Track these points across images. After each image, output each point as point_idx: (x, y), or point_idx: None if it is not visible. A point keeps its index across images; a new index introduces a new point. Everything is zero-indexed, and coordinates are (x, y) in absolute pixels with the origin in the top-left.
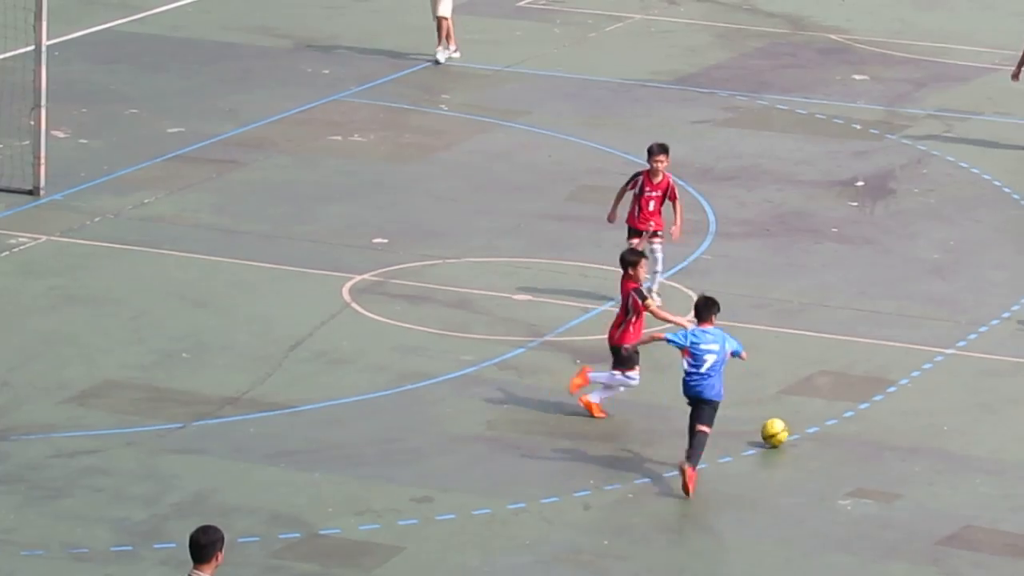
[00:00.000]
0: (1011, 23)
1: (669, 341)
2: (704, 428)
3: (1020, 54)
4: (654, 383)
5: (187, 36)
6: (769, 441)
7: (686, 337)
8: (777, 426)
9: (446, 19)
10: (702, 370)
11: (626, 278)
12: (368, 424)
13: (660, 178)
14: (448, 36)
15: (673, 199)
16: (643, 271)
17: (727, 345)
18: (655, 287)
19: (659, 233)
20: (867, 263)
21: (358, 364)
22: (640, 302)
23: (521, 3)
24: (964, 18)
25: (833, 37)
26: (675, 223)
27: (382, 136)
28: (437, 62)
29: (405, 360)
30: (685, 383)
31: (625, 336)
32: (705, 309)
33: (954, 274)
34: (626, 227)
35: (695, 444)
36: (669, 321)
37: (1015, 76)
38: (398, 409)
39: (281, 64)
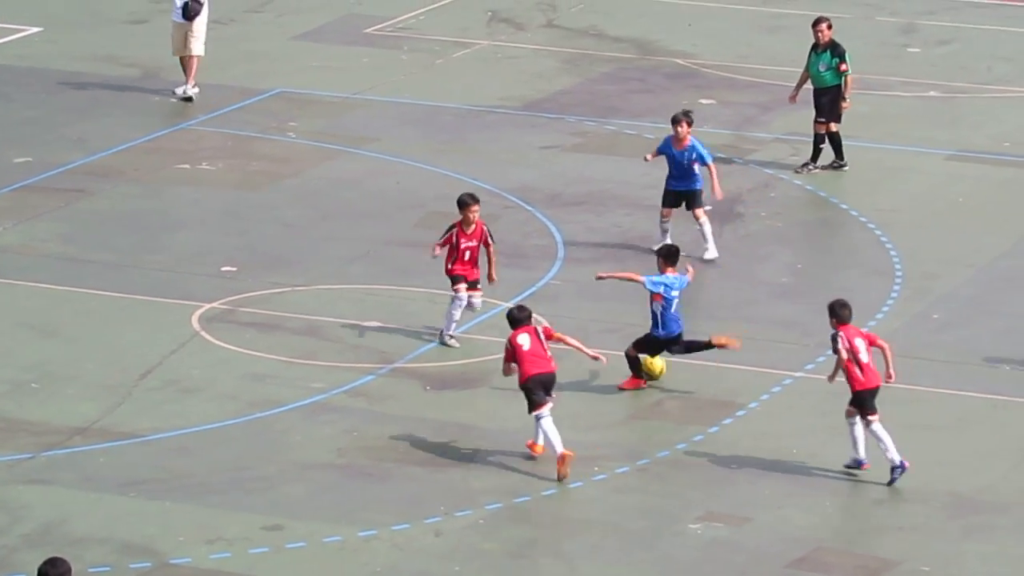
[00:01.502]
0: (854, 47)
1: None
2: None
3: (799, 77)
4: (503, 408)
5: (32, 65)
6: (658, 378)
7: (657, 285)
8: (656, 364)
9: (196, 57)
10: (672, 310)
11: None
12: (218, 452)
13: (473, 228)
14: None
15: (487, 246)
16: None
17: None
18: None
19: (477, 283)
20: (715, 286)
21: (208, 392)
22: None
23: (368, 30)
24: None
25: (680, 62)
26: (490, 270)
27: (230, 164)
28: (189, 99)
29: (255, 388)
30: (663, 324)
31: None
32: (670, 257)
33: (802, 297)
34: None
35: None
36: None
37: (792, 99)
38: (248, 437)
39: (128, 93)
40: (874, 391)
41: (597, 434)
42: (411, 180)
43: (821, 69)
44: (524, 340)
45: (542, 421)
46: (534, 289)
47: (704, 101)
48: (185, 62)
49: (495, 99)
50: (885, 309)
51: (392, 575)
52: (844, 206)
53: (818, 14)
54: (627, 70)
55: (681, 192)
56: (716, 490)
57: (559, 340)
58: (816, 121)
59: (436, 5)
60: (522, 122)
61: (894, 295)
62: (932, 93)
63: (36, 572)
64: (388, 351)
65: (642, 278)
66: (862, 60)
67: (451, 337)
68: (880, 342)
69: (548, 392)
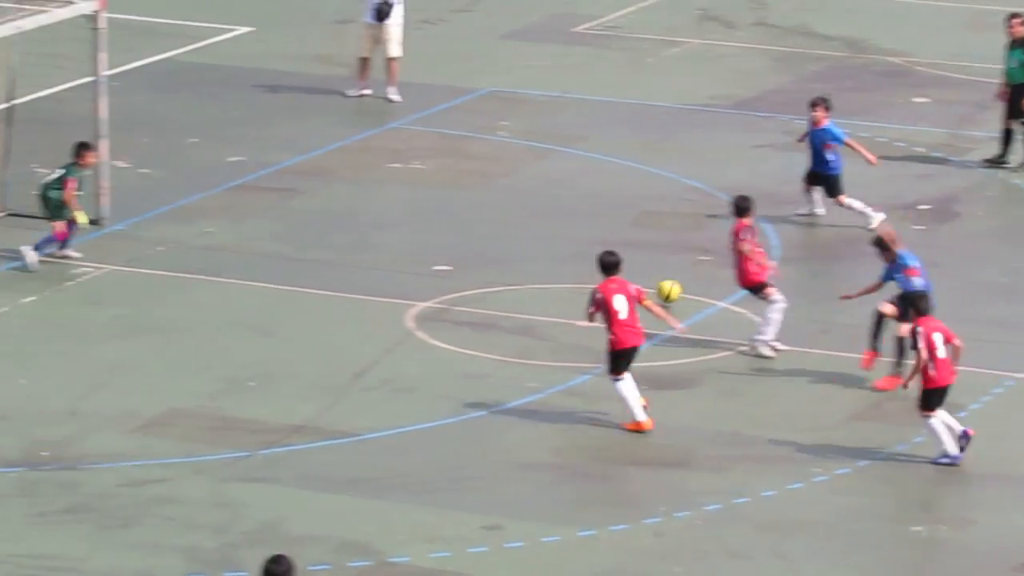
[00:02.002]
0: None
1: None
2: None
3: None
4: (721, 408)
5: (245, 65)
6: (667, 301)
7: (899, 269)
8: (666, 287)
9: (395, 59)
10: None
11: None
12: (435, 452)
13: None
14: (375, 75)
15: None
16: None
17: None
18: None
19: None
20: (935, 287)
21: (423, 392)
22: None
23: (577, 28)
24: None
25: (892, 60)
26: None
27: (441, 163)
28: (392, 100)
29: (470, 387)
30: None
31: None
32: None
33: (1022, 297)
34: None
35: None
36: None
37: (1001, 96)
38: (465, 437)
39: (338, 92)
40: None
41: (816, 435)
42: (623, 179)
43: (1013, 65)
44: (621, 306)
45: (620, 384)
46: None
47: (918, 99)
48: (365, 63)
49: (705, 98)
50: None
51: None
52: None
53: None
54: (838, 68)
55: (817, 174)
56: (938, 492)
57: (647, 308)
58: (1008, 118)
59: (646, 3)
60: (733, 121)
61: None
62: None
63: (261, 570)
64: (603, 350)
65: (881, 282)
66: None
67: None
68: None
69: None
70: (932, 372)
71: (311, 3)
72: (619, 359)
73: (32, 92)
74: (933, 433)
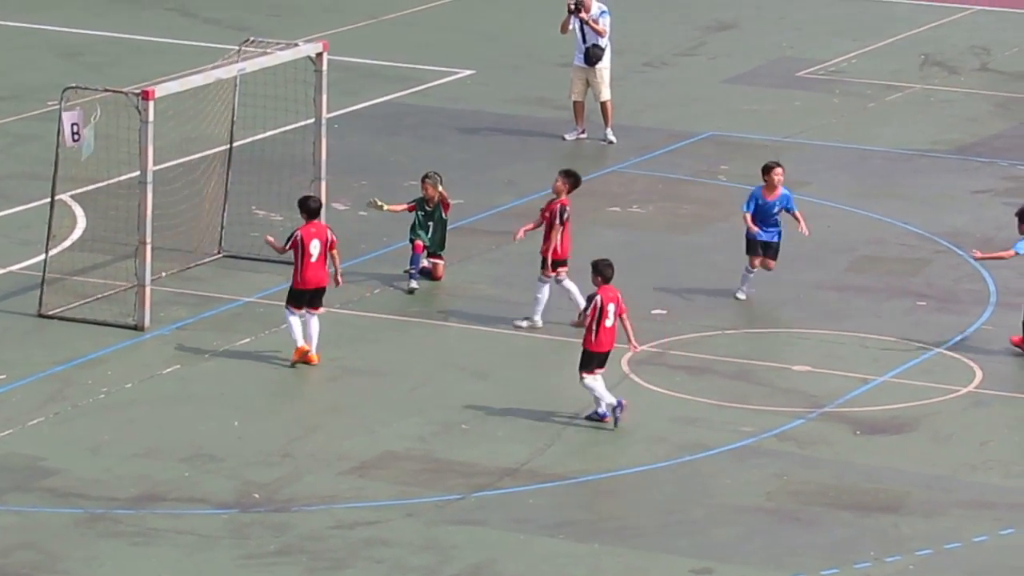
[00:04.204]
0: None
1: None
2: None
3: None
4: (935, 453)
5: (465, 107)
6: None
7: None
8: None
9: (607, 102)
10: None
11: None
12: (647, 495)
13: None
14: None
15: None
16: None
17: None
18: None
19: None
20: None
21: (638, 435)
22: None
23: (800, 73)
24: None
25: None
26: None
27: (660, 207)
28: (611, 142)
29: (684, 431)
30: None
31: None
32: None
33: None
34: None
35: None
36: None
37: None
38: (677, 480)
39: (558, 136)
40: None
41: None
42: (842, 224)
43: None
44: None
45: (589, 380)
46: (967, 333)
47: None
48: (579, 107)
49: (927, 143)
50: None
51: None
52: None
53: None
54: None
55: (767, 242)
56: None
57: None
58: None
59: (869, 48)
60: (954, 166)
61: None
62: None
63: None
64: (818, 395)
65: (1011, 252)
66: None
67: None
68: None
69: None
70: (592, 337)
71: (533, 46)
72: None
73: (253, 134)
74: (590, 391)
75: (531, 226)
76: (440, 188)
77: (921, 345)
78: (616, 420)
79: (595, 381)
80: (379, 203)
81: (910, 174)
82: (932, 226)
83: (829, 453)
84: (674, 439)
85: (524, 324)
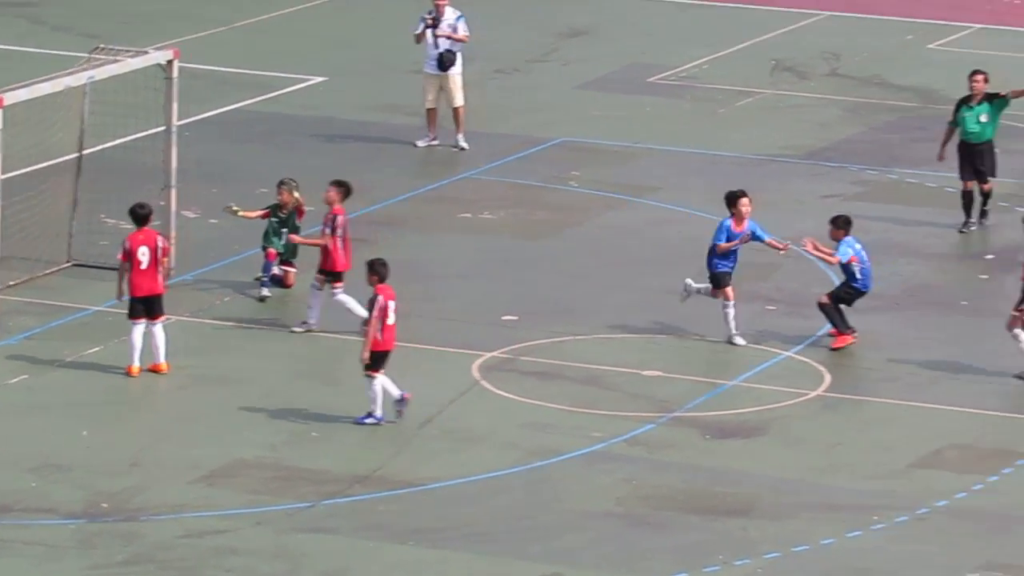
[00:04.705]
0: None
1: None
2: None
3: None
4: (784, 457)
5: (318, 115)
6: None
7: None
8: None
9: (461, 107)
10: (868, 266)
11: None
12: (498, 501)
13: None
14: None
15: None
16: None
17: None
18: None
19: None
20: (997, 336)
21: (488, 441)
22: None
23: (652, 79)
24: None
25: None
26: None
27: (512, 213)
28: (463, 148)
29: (535, 437)
30: (864, 279)
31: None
32: (847, 224)
33: None
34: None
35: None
36: None
37: (940, 158)
38: (528, 486)
39: (411, 142)
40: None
41: (877, 483)
42: (693, 229)
43: (975, 123)
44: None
45: (379, 380)
46: (814, 338)
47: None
48: (433, 114)
49: (777, 148)
50: None
51: None
52: None
53: None
54: (910, 119)
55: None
56: (996, 541)
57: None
58: (985, 182)
59: (720, 54)
60: (804, 171)
61: None
62: None
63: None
64: (668, 400)
65: (836, 257)
66: None
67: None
68: None
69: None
70: (379, 337)
71: (384, 53)
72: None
73: (103, 142)
74: (372, 393)
75: (314, 241)
76: (296, 194)
77: (771, 349)
78: (399, 413)
79: (383, 381)
80: (234, 209)
81: (761, 179)
82: (783, 231)
83: (679, 457)
84: (524, 445)
85: (300, 328)
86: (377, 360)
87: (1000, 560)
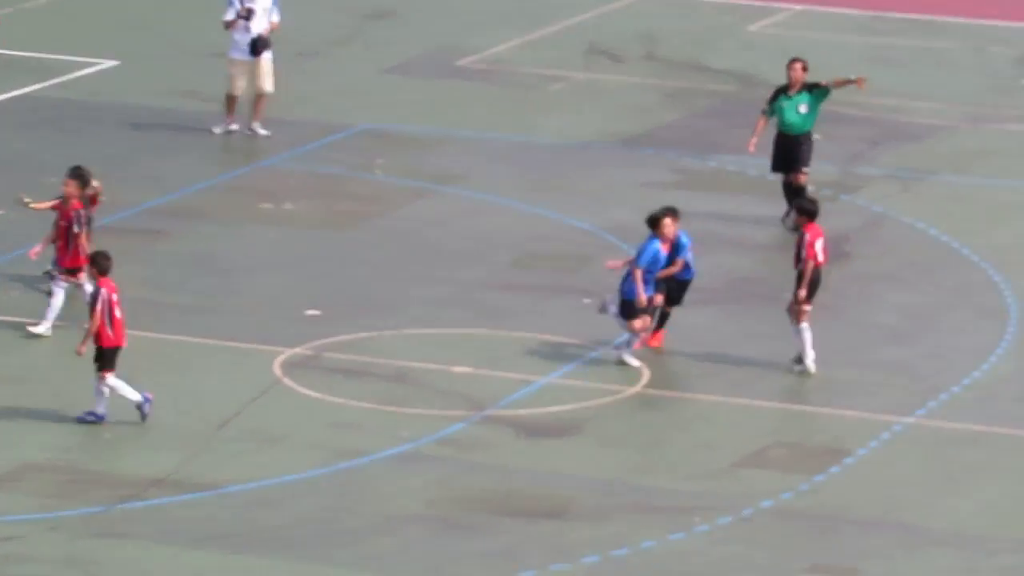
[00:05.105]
0: (966, 79)
1: None
2: None
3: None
4: (601, 457)
5: (110, 100)
6: None
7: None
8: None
9: (267, 94)
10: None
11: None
12: (302, 505)
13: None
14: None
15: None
16: None
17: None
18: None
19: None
20: (822, 329)
21: (291, 442)
22: None
23: (460, 62)
24: (919, 74)
25: None
26: None
27: (314, 203)
28: (262, 135)
29: (340, 437)
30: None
31: None
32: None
33: (912, 340)
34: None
35: None
36: None
37: (751, 149)
38: (334, 488)
39: (207, 129)
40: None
41: (698, 483)
42: (503, 219)
43: (793, 114)
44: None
45: (111, 379)
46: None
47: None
48: (236, 100)
49: (592, 134)
50: (999, 351)
51: None
52: (955, 245)
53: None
54: (730, 104)
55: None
56: (823, 542)
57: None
58: (800, 172)
59: (531, 36)
60: (619, 159)
61: (1008, 337)
62: None
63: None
64: (479, 398)
65: (639, 267)
66: (973, 93)
67: None
68: None
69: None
70: (109, 332)
71: (180, 36)
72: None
73: None
74: (101, 391)
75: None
76: (95, 183)
77: (586, 344)
78: (144, 416)
79: (116, 380)
80: (26, 200)
81: (575, 167)
82: (598, 221)
83: (491, 458)
84: (330, 445)
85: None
86: (108, 357)
87: (827, 562)
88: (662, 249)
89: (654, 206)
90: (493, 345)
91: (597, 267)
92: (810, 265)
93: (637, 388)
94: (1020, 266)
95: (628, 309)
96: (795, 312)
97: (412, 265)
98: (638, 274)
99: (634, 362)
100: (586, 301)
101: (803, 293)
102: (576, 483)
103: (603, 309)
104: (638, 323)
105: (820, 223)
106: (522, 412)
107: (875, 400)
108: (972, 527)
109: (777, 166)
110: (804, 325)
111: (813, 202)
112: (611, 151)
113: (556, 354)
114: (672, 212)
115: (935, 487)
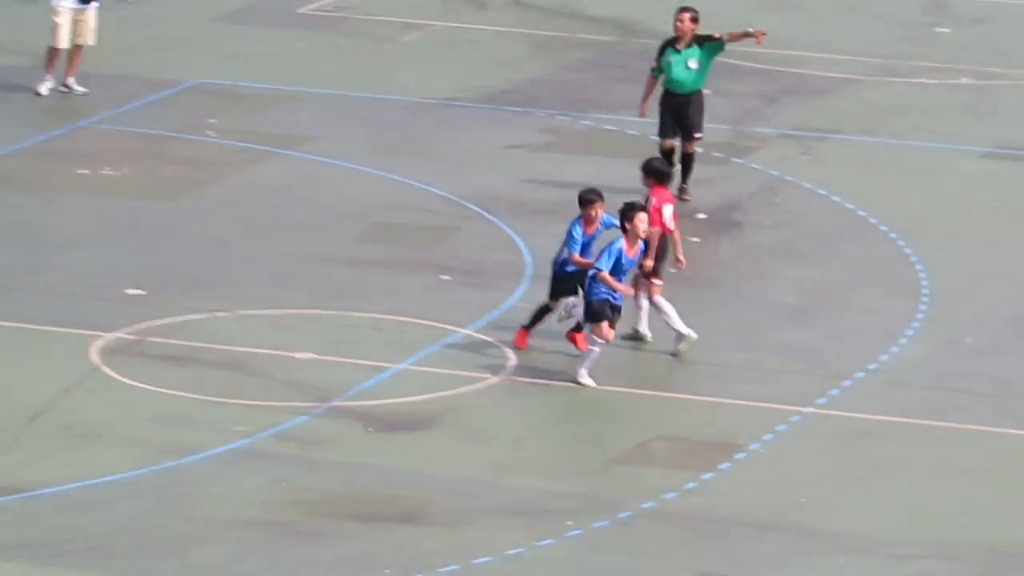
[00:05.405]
0: (874, 27)
1: None
2: None
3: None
4: (461, 453)
5: None
6: None
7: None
8: None
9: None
10: None
11: None
12: (123, 509)
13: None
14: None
15: None
16: None
17: None
18: None
19: None
20: (711, 308)
21: (109, 438)
22: None
23: (302, 9)
24: (821, 22)
25: None
26: None
27: (138, 169)
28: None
29: (166, 432)
30: None
31: None
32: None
33: (813, 320)
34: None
35: None
36: None
37: (642, 114)
38: (158, 491)
39: (16, 86)
40: None
41: (571, 482)
42: (352, 186)
43: (681, 71)
44: None
45: None
46: (496, 313)
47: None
48: (58, 54)
49: (452, 91)
50: (910, 333)
51: None
52: (862, 213)
53: None
54: (607, 55)
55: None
56: (711, 547)
57: None
58: (691, 140)
59: None
60: (483, 117)
61: (920, 316)
62: (964, 80)
63: None
64: (324, 387)
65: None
66: (884, 43)
67: None
68: None
69: None
70: None
71: None
72: None
73: None
74: None
75: None
76: None
77: (446, 327)
78: None
79: None
80: None
81: (432, 127)
82: (458, 188)
83: (338, 455)
84: (154, 442)
85: None
86: None
87: (715, 570)
88: (584, 229)
89: (522, 170)
90: (340, 328)
91: (457, 240)
92: (656, 233)
93: (502, 376)
94: (933, 237)
95: (594, 311)
96: (645, 287)
97: (249, 238)
98: (604, 277)
99: (590, 382)
100: (444, 278)
101: (649, 263)
102: (433, 483)
103: (567, 313)
104: (607, 329)
105: (710, 190)
106: (372, 403)
107: (770, 388)
108: (879, 530)
109: (666, 131)
110: (659, 299)
111: (663, 161)
112: (474, 110)
113: (411, 338)
114: (601, 197)
115: (837, 485)
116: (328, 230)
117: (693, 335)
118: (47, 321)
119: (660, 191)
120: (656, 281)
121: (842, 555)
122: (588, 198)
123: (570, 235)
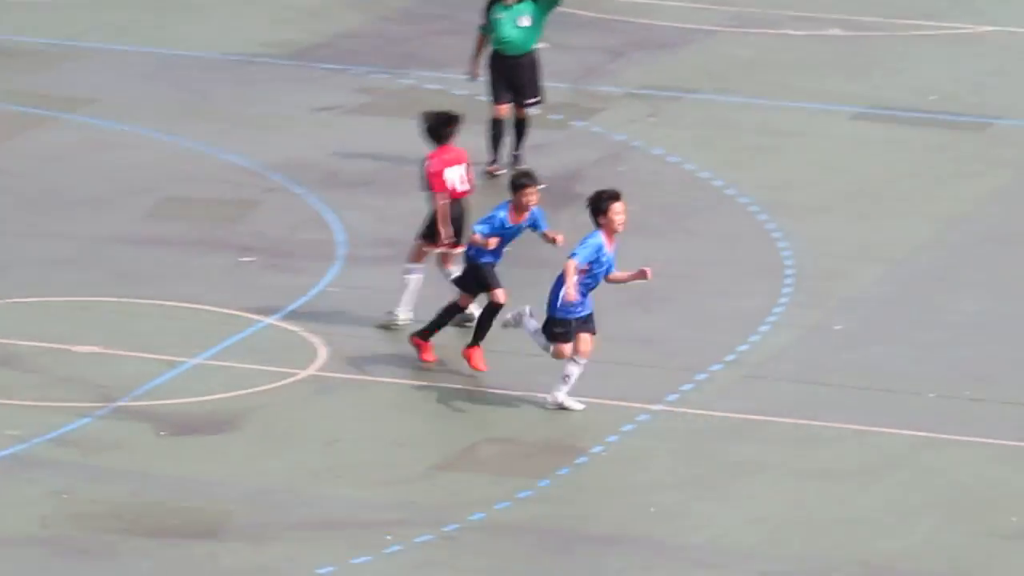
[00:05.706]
0: None
1: None
2: None
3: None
4: (265, 459)
5: None
6: None
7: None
8: None
9: None
10: None
11: None
12: None
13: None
14: None
15: None
16: None
17: None
18: None
19: None
20: (546, 292)
21: None
22: None
23: None
24: None
25: None
26: None
27: None
28: None
29: None
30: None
31: None
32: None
33: (662, 305)
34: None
35: None
36: None
37: (475, 74)
38: None
39: None
40: None
41: (390, 491)
42: (140, 155)
43: (511, 29)
44: None
45: None
46: (305, 299)
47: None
48: None
49: (255, 45)
50: (772, 319)
51: None
52: (718, 183)
53: None
54: (430, 5)
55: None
56: (549, 563)
57: None
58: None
59: None
60: (290, 76)
61: (784, 300)
62: (834, 31)
63: None
64: (109, 385)
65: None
66: None
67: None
68: None
69: None
70: None
71: None
72: None
73: None
74: None
75: None
76: None
77: (247, 315)
78: None
79: None
80: None
81: (232, 86)
82: (260, 156)
83: (125, 462)
84: None
85: None
86: None
87: None
88: (509, 217)
89: (333, 136)
90: (127, 317)
91: (260, 215)
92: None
93: (311, 370)
94: (798, 210)
95: (553, 327)
96: (440, 257)
97: (20, 215)
98: (571, 265)
99: (577, 405)
100: (244, 259)
101: (446, 232)
102: (233, 493)
103: (516, 321)
104: (566, 347)
105: (548, 156)
106: (164, 403)
107: (615, 383)
108: (738, 542)
109: (500, 95)
110: (450, 270)
111: (437, 116)
112: (278, 67)
113: (208, 328)
114: (535, 182)
115: (692, 492)
116: (112, 205)
117: (399, 322)
118: None
119: (444, 151)
120: (451, 251)
121: (697, 570)
122: (520, 182)
123: (492, 218)
